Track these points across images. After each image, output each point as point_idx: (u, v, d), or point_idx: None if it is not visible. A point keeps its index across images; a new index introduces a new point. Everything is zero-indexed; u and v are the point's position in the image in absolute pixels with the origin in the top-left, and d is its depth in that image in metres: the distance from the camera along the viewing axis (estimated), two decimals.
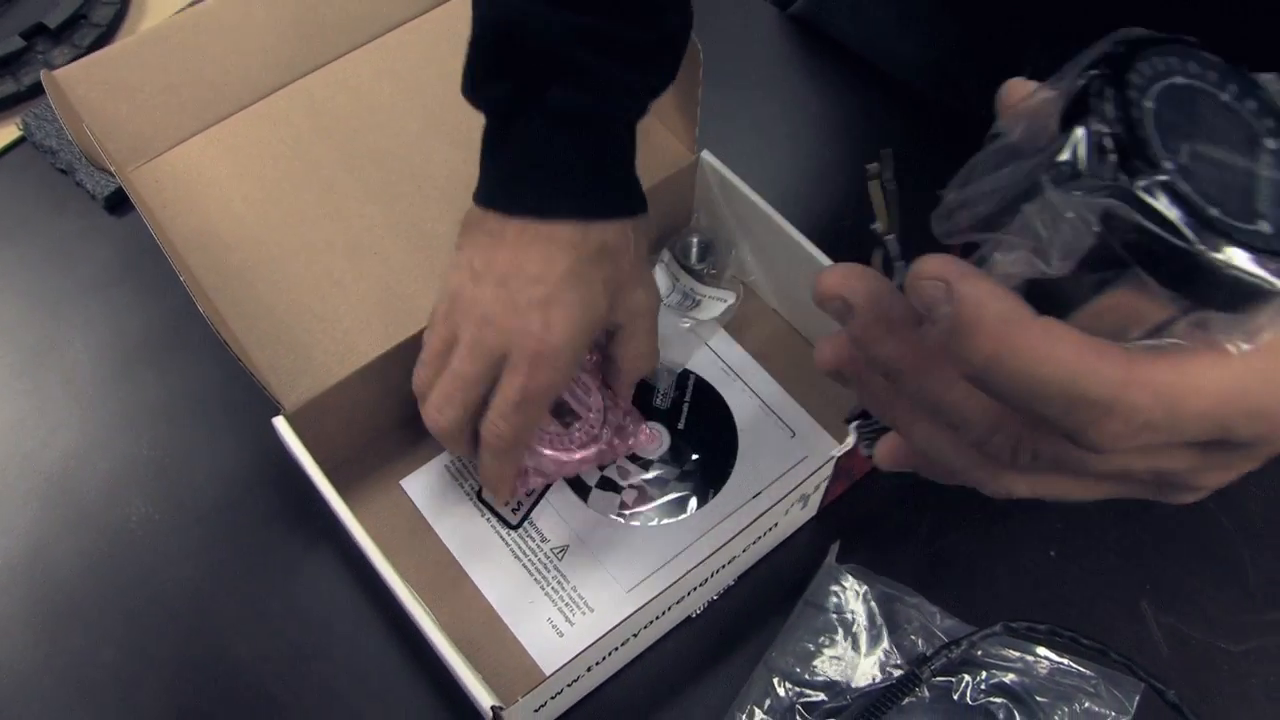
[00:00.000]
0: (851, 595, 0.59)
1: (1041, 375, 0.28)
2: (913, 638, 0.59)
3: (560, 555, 0.62)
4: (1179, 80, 0.29)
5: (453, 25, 0.74)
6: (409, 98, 0.71)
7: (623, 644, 0.57)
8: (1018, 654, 0.58)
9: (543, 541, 0.63)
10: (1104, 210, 0.27)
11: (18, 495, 0.66)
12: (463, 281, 0.56)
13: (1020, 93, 0.32)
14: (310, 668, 0.61)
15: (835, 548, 0.62)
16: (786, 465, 0.65)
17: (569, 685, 0.55)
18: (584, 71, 0.53)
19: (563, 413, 0.63)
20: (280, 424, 0.58)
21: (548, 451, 0.61)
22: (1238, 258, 0.27)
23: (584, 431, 0.62)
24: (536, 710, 0.54)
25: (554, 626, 0.60)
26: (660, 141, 0.69)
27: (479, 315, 0.55)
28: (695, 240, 0.70)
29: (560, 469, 0.62)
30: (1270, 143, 0.29)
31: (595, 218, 0.55)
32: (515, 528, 0.63)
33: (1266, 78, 0.30)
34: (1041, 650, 0.58)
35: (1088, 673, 0.58)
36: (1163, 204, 0.27)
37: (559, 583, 0.61)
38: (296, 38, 0.72)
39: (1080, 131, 0.28)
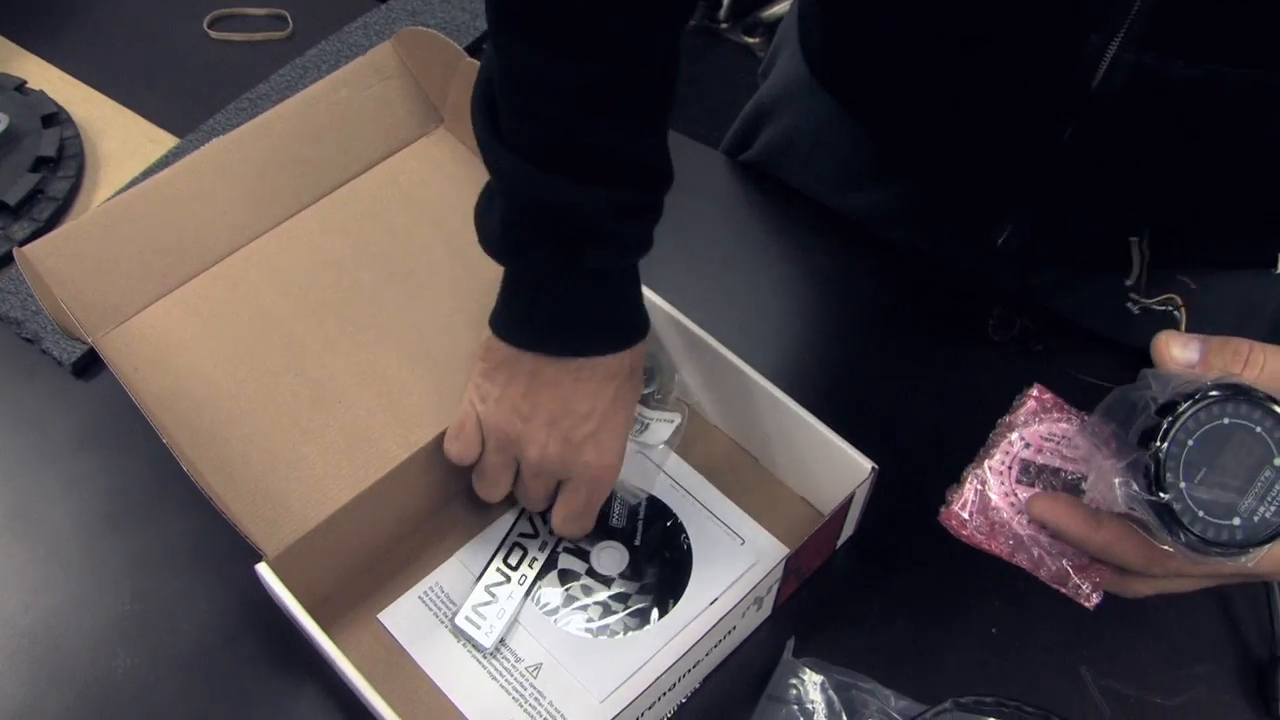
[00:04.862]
0: (810, 686, 0.63)
1: (1106, 553, 0.53)
2: None
3: (535, 673, 0.65)
4: (1225, 421, 0.47)
5: (393, 180, 0.79)
6: (358, 251, 0.75)
7: None
8: None
9: (517, 661, 0.66)
10: (1133, 501, 0.49)
11: (2, 659, 0.68)
12: (510, 420, 0.65)
13: (1168, 350, 0.51)
14: None
15: (791, 643, 0.65)
16: (739, 571, 0.69)
17: None
18: (614, 236, 0.60)
19: None
20: (263, 570, 0.61)
21: None
22: (1193, 545, 0.48)
23: None
24: None
25: None
26: None
27: (537, 455, 0.65)
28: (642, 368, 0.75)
29: None
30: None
31: (628, 346, 0.65)
32: (490, 650, 0.66)
33: None
34: None
35: None
36: (1162, 518, 0.48)
37: (536, 699, 0.65)
38: (249, 202, 0.76)
39: (1138, 456, 0.49)
